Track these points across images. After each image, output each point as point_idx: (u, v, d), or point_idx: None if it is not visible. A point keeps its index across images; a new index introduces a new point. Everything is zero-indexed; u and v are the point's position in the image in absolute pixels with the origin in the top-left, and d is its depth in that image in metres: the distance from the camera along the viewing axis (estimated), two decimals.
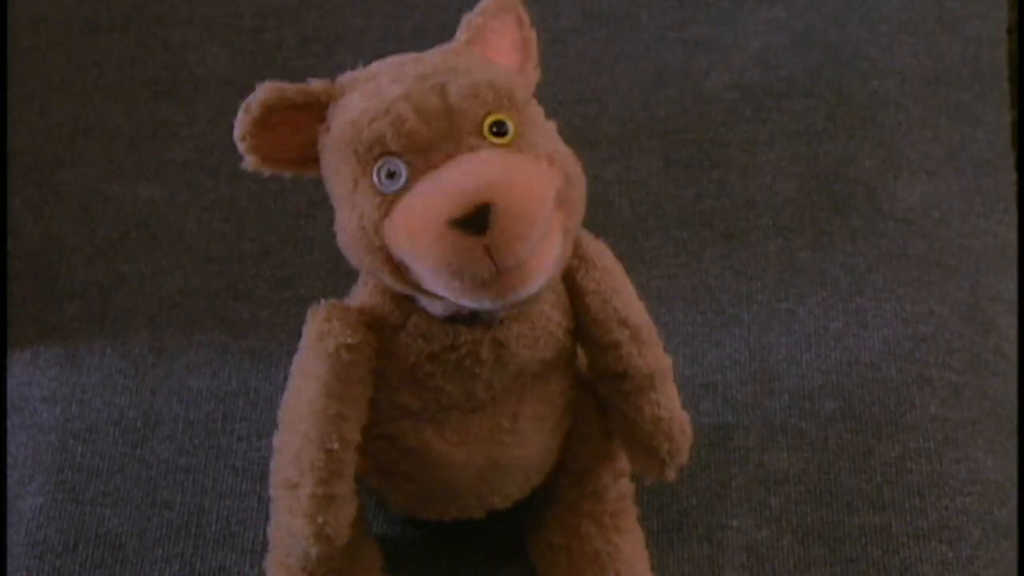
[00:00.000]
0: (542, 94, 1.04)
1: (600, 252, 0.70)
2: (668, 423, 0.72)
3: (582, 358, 0.74)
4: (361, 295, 0.69)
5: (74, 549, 0.81)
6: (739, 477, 0.84)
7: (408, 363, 0.67)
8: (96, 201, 0.97)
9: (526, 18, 0.70)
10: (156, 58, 1.04)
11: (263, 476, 0.82)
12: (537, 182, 0.61)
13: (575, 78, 1.03)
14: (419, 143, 0.61)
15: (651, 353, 0.71)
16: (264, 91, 0.64)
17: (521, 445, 0.72)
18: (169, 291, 0.93)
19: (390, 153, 0.61)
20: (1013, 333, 0.92)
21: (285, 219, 0.97)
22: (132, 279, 0.94)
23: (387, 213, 0.61)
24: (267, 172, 0.66)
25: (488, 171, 0.60)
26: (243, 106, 0.64)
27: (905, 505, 0.82)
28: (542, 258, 0.61)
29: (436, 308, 0.67)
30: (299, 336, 0.69)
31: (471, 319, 0.67)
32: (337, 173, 0.64)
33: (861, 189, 0.97)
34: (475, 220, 0.58)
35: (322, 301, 0.69)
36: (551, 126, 0.66)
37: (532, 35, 0.70)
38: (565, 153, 0.64)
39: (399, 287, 0.64)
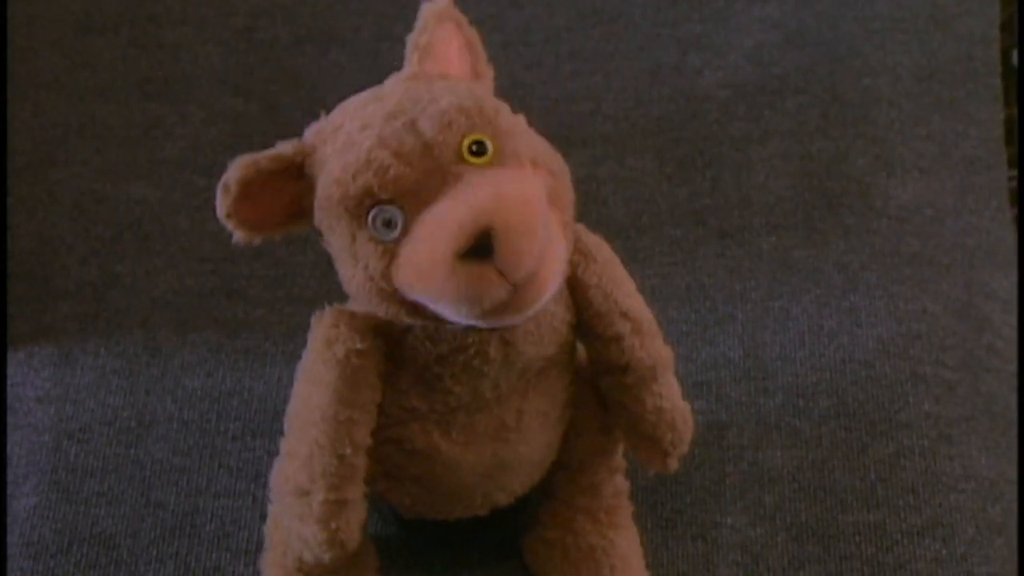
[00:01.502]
0: (537, 92, 1.05)
1: (598, 245, 0.70)
2: (671, 413, 0.73)
3: (581, 352, 0.74)
4: None
5: (68, 549, 0.81)
6: (733, 475, 0.84)
7: (417, 366, 0.68)
8: (89, 201, 0.97)
9: (463, 20, 0.70)
10: (149, 58, 1.04)
11: (258, 476, 0.83)
12: (528, 190, 0.61)
13: (569, 76, 1.04)
14: (406, 186, 0.61)
15: (652, 344, 0.71)
16: (237, 168, 0.64)
17: (526, 442, 0.72)
18: (163, 291, 0.93)
19: (380, 202, 0.61)
20: (1007, 330, 0.92)
21: None
22: (126, 279, 0.94)
23: (392, 261, 0.61)
24: (256, 243, 0.65)
25: (480, 197, 0.60)
26: (220, 186, 0.64)
27: (899, 502, 0.82)
28: (552, 262, 0.61)
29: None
30: (293, 335, 0.69)
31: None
32: (333, 230, 0.64)
33: (854, 187, 0.97)
34: (480, 247, 0.58)
35: (326, 306, 0.68)
36: (520, 120, 0.65)
37: (474, 35, 0.70)
38: (544, 150, 0.65)
39: (420, 322, 0.64)
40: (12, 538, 0.81)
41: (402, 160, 0.61)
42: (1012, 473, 0.85)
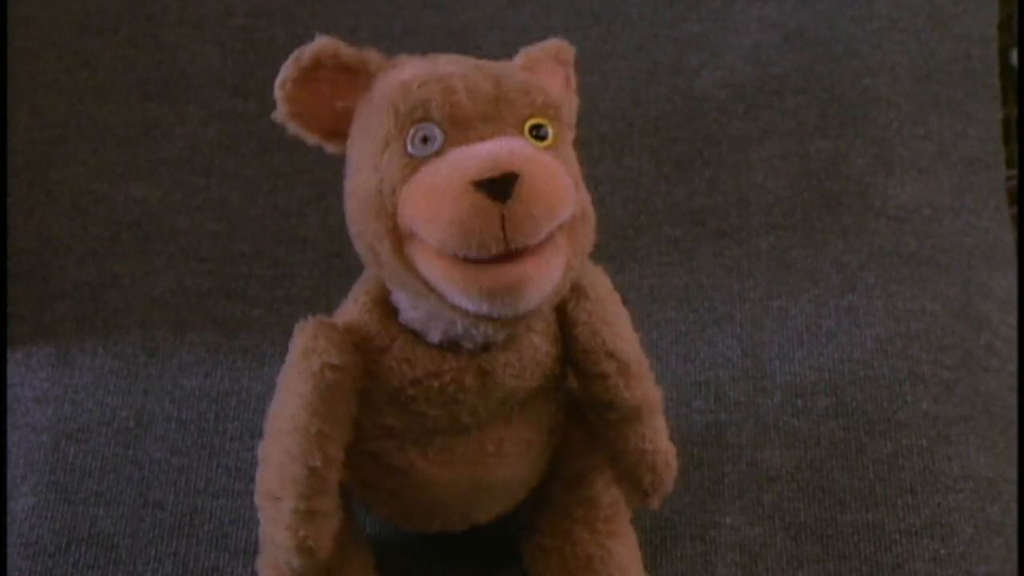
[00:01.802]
0: None
1: (595, 282, 0.69)
2: (652, 455, 0.71)
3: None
4: (350, 312, 0.69)
5: (67, 549, 0.81)
6: (732, 475, 0.84)
7: (392, 386, 0.67)
8: (88, 201, 0.97)
9: (574, 80, 0.72)
10: (147, 58, 1.04)
11: None
12: (565, 179, 0.61)
13: None
14: (461, 117, 0.61)
15: (639, 386, 0.70)
16: (320, 43, 0.64)
17: (506, 467, 0.71)
18: (161, 291, 0.93)
19: (430, 119, 0.61)
20: (1005, 330, 0.92)
21: (277, 218, 0.97)
22: (124, 279, 0.94)
23: (410, 176, 0.61)
24: (291, 129, 0.65)
25: (522, 149, 0.60)
26: (294, 54, 0.64)
27: (897, 502, 0.82)
28: (547, 269, 0.60)
29: (419, 314, 0.66)
30: (291, 335, 0.69)
31: (457, 346, 0.66)
32: (368, 132, 0.63)
33: (853, 186, 0.97)
34: (500, 185, 0.58)
35: (309, 317, 0.68)
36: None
37: (575, 99, 0.72)
38: (587, 194, 0.64)
39: (391, 268, 0.63)
40: (10, 538, 0.81)
41: (470, 95, 0.61)
42: (1011, 473, 0.85)
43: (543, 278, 0.61)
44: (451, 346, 0.66)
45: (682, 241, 0.95)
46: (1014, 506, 0.84)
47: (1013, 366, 0.91)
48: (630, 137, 1.00)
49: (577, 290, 0.68)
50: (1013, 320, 0.93)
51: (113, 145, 1.00)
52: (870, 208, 0.96)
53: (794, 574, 0.80)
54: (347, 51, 0.65)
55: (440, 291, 0.61)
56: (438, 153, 0.61)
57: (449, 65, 0.63)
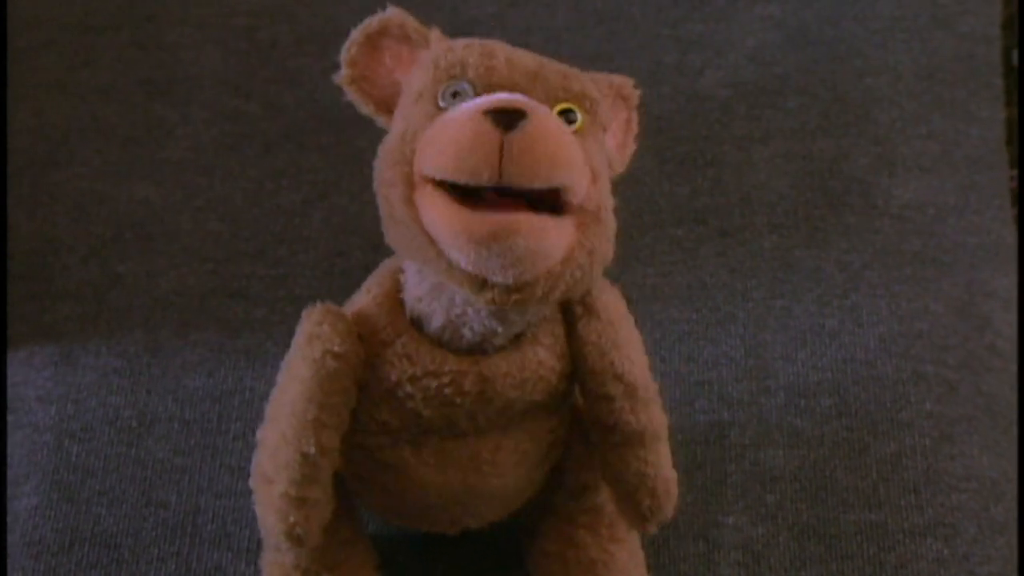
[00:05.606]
0: None
1: (608, 304, 0.68)
2: (653, 481, 0.70)
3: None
4: (360, 302, 0.68)
5: (70, 549, 0.81)
6: (735, 474, 0.84)
7: (390, 381, 0.67)
8: (90, 201, 0.97)
9: (636, 123, 0.74)
10: (150, 58, 1.04)
11: None
12: (574, 147, 0.61)
13: None
14: (495, 81, 0.62)
15: (644, 412, 0.69)
16: (389, 12, 0.67)
17: (500, 476, 0.71)
18: (164, 290, 0.93)
19: (465, 78, 0.62)
20: (1008, 329, 0.92)
21: (280, 218, 0.97)
22: (127, 279, 0.94)
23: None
24: (349, 94, 0.67)
25: (543, 107, 0.61)
26: (363, 23, 0.66)
27: (901, 502, 0.82)
28: (541, 230, 0.59)
29: (423, 292, 0.65)
30: (294, 335, 0.69)
31: (459, 337, 0.66)
32: (409, 86, 0.65)
33: (856, 186, 0.97)
34: (506, 115, 0.58)
35: (317, 303, 0.68)
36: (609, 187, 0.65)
37: (633, 145, 0.74)
38: (609, 198, 0.63)
39: (401, 221, 0.62)
40: (13, 537, 0.81)
41: (509, 65, 0.63)
42: (1014, 472, 0.85)
43: (537, 237, 0.59)
44: (452, 336, 0.66)
45: (685, 241, 0.95)
46: (1017, 506, 0.84)
47: (1016, 366, 0.91)
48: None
49: (589, 309, 0.68)
50: (1016, 319, 0.93)
51: (116, 145, 1.00)
52: (873, 208, 0.96)
53: (797, 574, 0.80)
54: (413, 23, 0.67)
55: (439, 242, 0.60)
56: None
57: (499, 43, 0.64)
